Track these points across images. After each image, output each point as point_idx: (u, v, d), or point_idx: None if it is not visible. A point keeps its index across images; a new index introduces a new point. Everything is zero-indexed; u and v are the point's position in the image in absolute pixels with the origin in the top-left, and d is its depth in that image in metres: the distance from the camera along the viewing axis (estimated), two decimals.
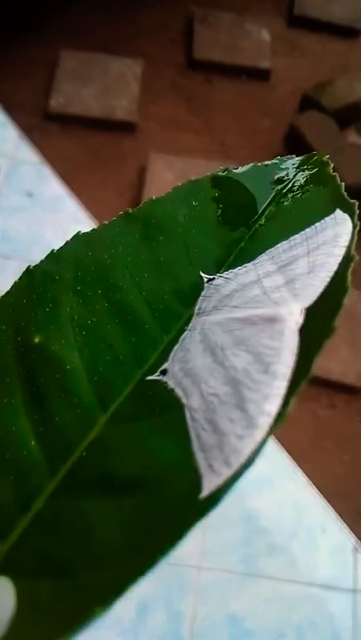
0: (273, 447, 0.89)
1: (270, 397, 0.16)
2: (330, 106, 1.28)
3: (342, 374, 0.98)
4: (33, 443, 0.17)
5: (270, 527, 0.82)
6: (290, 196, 0.21)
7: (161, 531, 0.16)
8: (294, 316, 0.17)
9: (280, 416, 0.16)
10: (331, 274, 0.18)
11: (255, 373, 0.16)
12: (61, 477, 0.17)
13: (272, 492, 0.86)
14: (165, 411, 0.17)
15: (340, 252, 0.18)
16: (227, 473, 0.15)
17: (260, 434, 0.15)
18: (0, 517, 0.17)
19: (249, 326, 0.17)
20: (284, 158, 0.22)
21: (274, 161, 0.22)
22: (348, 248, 0.18)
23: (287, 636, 0.76)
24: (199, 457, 0.16)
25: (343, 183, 0.20)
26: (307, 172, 0.21)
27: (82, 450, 0.17)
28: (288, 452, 0.88)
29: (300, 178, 0.21)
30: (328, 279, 0.18)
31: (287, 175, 0.21)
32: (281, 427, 0.16)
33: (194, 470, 0.16)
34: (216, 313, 0.18)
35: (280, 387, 0.16)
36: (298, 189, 0.21)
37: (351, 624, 0.77)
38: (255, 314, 0.17)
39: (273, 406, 0.16)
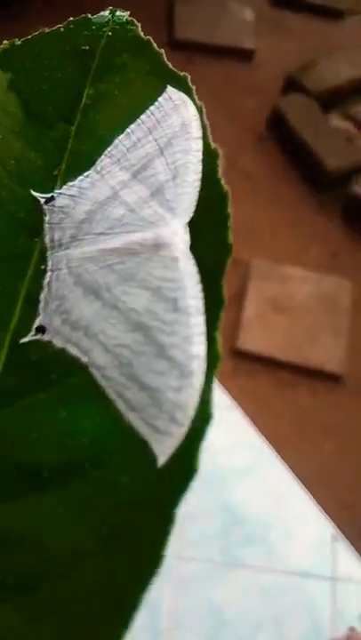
0: (253, 436, 0.88)
1: (192, 337, 0.14)
2: (314, 88, 1.26)
3: (323, 362, 0.97)
4: None
5: (250, 516, 0.81)
6: (105, 72, 0.16)
7: (128, 512, 0.14)
8: (180, 236, 0.14)
9: (214, 357, 0.14)
10: (199, 175, 0.15)
11: (163, 313, 0.14)
12: None
13: (252, 482, 0.86)
14: (65, 375, 0.15)
15: (197, 147, 0.15)
16: (178, 431, 0.14)
17: (197, 380, 0.14)
18: None
19: (130, 257, 0.14)
20: (80, 19, 0.17)
21: (70, 26, 0.17)
22: (205, 140, 0.15)
23: (266, 626, 0.75)
24: (132, 418, 0.14)
25: (163, 50, 0.16)
26: (115, 38, 0.17)
27: None
28: (269, 440, 0.87)
29: (110, 47, 0.17)
30: (198, 183, 0.15)
31: (93, 44, 0.17)
32: (219, 369, 0.14)
33: (128, 436, 0.14)
34: (79, 245, 0.15)
35: (198, 323, 0.14)
36: (111, 63, 0.16)
37: (329, 612, 0.77)
38: (133, 240, 0.15)
39: (200, 347, 0.14)
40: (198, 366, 0.14)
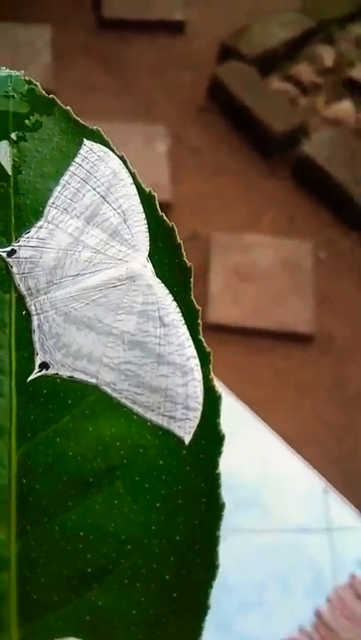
0: (234, 404, 0.89)
1: (184, 342, 0.17)
2: (249, 53, 1.26)
3: (293, 324, 0.99)
4: None
5: (241, 482, 0.83)
6: (24, 132, 0.18)
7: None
8: (148, 267, 0.17)
9: (206, 354, 0.17)
10: (144, 215, 0.17)
11: (154, 330, 0.17)
12: (16, 519, 0.17)
13: (239, 448, 0.87)
14: (80, 397, 0.17)
15: (134, 191, 0.18)
16: (194, 414, 0.17)
17: (197, 374, 0.17)
18: None
19: (110, 290, 0.17)
20: None
21: None
22: (138, 185, 0.18)
23: (269, 585, 0.77)
24: (152, 416, 0.17)
25: (69, 107, 0.18)
26: (22, 100, 0.18)
27: (16, 482, 0.17)
28: (250, 406, 0.89)
29: (19, 108, 0.18)
30: (145, 221, 0.17)
31: (2, 106, 0.18)
32: (213, 364, 0.18)
33: (154, 430, 0.17)
34: (58, 288, 0.17)
35: (185, 331, 0.17)
36: (25, 124, 0.18)
37: (329, 562, 0.79)
38: (110, 276, 0.17)
39: (191, 349, 0.17)
40: (195, 363, 0.17)
